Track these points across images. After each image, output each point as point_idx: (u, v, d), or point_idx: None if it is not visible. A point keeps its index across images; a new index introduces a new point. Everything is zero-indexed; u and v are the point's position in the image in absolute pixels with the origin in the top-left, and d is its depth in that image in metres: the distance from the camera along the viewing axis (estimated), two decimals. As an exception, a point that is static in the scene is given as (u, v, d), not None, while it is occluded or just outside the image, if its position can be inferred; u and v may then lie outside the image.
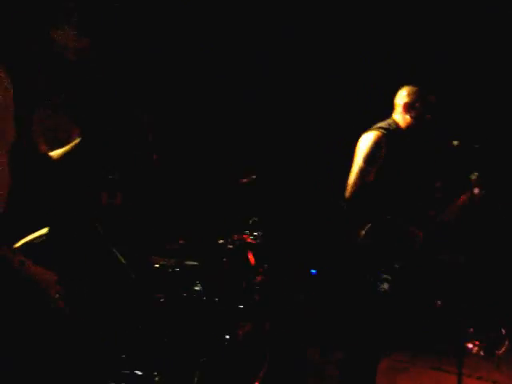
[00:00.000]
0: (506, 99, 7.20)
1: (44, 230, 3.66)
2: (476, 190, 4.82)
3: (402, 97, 4.93)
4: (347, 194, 4.79)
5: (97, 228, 3.92)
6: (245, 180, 5.07)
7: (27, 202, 3.61)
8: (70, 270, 3.76)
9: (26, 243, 3.52)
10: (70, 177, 3.80)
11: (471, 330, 6.77)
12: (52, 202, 3.72)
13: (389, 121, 4.96)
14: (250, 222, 4.92)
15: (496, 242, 7.07)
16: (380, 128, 4.87)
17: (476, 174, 4.83)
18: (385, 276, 4.73)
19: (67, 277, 3.73)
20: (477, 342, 6.79)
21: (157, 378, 4.34)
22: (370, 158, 4.77)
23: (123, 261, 4.20)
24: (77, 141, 3.80)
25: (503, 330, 6.95)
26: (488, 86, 7.15)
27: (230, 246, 4.81)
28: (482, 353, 6.73)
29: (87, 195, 3.93)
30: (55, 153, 3.77)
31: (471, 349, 6.71)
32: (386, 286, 4.73)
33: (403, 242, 4.79)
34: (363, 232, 4.73)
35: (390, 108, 5.00)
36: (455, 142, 4.81)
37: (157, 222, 4.87)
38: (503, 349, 6.81)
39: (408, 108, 4.89)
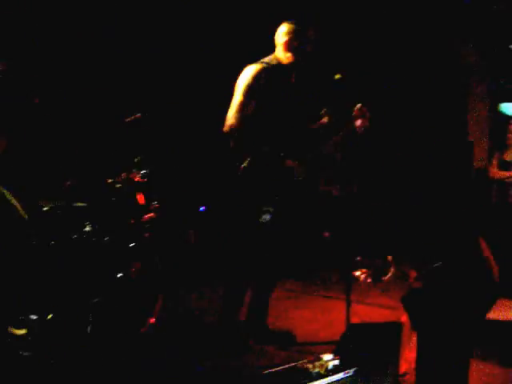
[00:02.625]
0: (388, 32, 7.34)
1: None
2: (358, 122, 4.95)
3: (281, 35, 4.97)
4: (226, 127, 4.84)
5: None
6: (130, 118, 5.05)
7: None
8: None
9: None
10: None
11: (358, 258, 6.96)
12: None
13: (271, 56, 5.01)
14: (136, 160, 4.91)
15: (381, 173, 7.27)
16: (260, 62, 4.94)
17: (359, 105, 4.95)
18: (265, 208, 4.84)
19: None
20: (364, 270, 6.99)
21: (52, 321, 4.35)
22: (248, 91, 4.83)
23: (15, 203, 4.18)
24: None
25: (389, 257, 7.18)
26: (367, 19, 7.27)
27: (118, 185, 4.81)
28: (369, 280, 6.95)
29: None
30: None
31: (359, 276, 6.92)
32: (267, 217, 4.84)
33: (283, 174, 4.89)
34: (243, 165, 4.81)
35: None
36: (337, 76, 4.91)
37: (43, 164, 4.82)
38: (389, 275, 7.05)
39: (288, 46, 4.94)
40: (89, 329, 4.40)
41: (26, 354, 4.15)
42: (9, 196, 4.18)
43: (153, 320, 4.92)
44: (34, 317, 4.31)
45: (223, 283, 5.21)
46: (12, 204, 4.16)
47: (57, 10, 6.22)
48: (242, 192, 4.89)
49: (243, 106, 4.82)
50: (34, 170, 4.70)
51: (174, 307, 5.47)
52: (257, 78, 4.85)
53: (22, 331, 4.23)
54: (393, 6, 7.21)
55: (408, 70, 7.40)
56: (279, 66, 4.96)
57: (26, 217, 4.06)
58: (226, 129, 4.85)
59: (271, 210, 4.84)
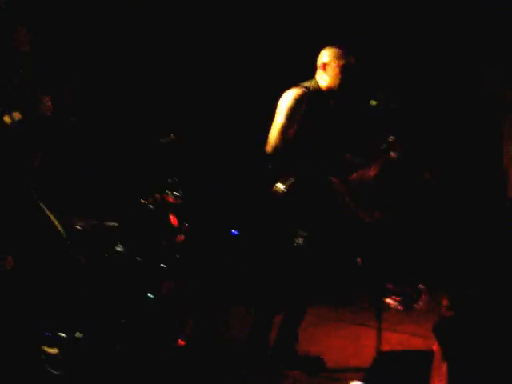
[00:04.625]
0: (426, 58, 7.30)
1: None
2: (393, 154, 4.96)
3: (321, 57, 5.02)
4: (268, 148, 4.88)
5: (30, 190, 3.95)
6: (165, 139, 5.09)
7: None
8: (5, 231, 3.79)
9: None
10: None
11: (390, 285, 6.93)
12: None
13: (311, 80, 5.05)
14: (170, 181, 4.95)
15: (413, 200, 7.23)
16: (300, 86, 4.97)
17: (392, 137, 4.96)
18: (300, 232, 4.84)
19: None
20: (396, 298, 6.95)
21: (81, 339, 4.36)
22: (290, 114, 4.87)
23: (55, 221, 4.21)
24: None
25: (421, 286, 7.13)
26: (409, 46, 7.25)
27: (151, 206, 4.84)
28: (400, 308, 6.91)
29: (19, 159, 3.96)
30: None
31: (390, 304, 6.89)
32: (300, 241, 4.84)
33: (325, 195, 4.90)
34: (284, 187, 4.82)
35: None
36: (373, 102, 4.91)
37: (77, 183, 4.87)
38: (421, 303, 7.00)
39: (325, 68, 4.97)
40: (117, 347, 4.41)
41: (56, 372, 4.16)
42: (49, 213, 4.23)
43: (182, 342, 4.92)
44: (62, 334, 4.32)
45: (254, 306, 5.19)
46: (52, 221, 4.21)
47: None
48: (278, 215, 4.91)
49: (285, 129, 4.86)
50: (68, 186, 4.74)
51: (203, 329, 5.46)
52: (298, 101, 4.89)
53: (54, 350, 4.24)
54: (431, 36, 7.18)
55: (444, 103, 7.35)
56: (319, 90, 4.99)
57: (64, 235, 4.10)
58: (268, 149, 4.88)
59: (305, 234, 4.84)
